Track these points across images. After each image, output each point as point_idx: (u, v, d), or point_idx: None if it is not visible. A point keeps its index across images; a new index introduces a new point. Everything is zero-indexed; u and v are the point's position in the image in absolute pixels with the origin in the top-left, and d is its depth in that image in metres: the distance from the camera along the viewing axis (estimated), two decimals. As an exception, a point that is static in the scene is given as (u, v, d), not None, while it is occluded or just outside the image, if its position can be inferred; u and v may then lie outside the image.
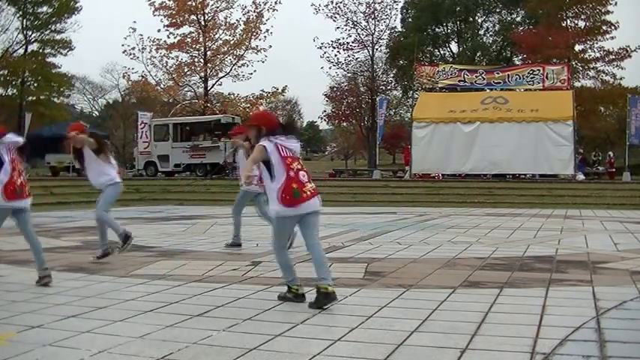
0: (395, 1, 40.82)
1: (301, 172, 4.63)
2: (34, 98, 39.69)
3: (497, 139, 22.81)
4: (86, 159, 6.68)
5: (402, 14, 46.78)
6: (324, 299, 4.50)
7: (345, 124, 48.38)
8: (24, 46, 39.53)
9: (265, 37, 32.56)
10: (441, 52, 48.73)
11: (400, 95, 46.87)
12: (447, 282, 5.58)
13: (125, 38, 34.65)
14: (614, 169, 27.88)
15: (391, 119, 45.17)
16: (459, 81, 28.08)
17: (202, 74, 33.39)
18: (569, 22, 37.16)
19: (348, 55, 40.77)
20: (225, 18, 33.18)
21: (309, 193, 4.62)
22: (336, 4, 39.34)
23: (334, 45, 40.05)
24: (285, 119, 5.52)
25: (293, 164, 4.62)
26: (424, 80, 29.36)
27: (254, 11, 32.50)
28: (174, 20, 32.46)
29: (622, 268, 6.42)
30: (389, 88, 44.49)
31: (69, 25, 40.27)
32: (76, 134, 6.54)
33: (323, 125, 64.42)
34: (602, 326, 3.98)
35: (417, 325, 4.05)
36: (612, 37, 35.66)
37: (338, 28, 41.67)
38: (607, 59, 36.02)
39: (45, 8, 39.17)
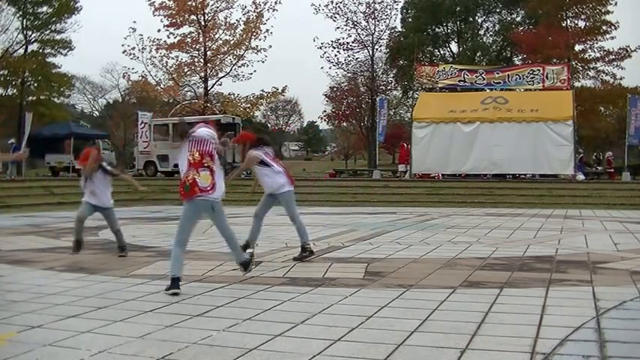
0: (395, 1, 40.79)
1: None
2: (34, 98, 39.61)
3: (497, 139, 22.81)
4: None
5: (402, 14, 46.75)
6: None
7: (345, 124, 48.34)
8: (24, 46, 39.45)
9: (265, 37, 32.48)
10: (441, 52, 48.69)
11: (400, 95, 46.88)
12: (447, 282, 5.58)
13: (125, 38, 34.48)
14: (612, 169, 27.89)
15: (391, 119, 45.14)
16: (459, 81, 28.07)
17: (202, 74, 33.34)
18: (569, 22, 37.11)
19: (348, 55, 40.76)
20: (225, 18, 33.14)
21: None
22: (336, 4, 39.32)
23: (334, 45, 40.03)
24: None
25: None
26: (424, 80, 29.35)
27: (254, 11, 32.45)
28: (174, 20, 32.40)
29: (622, 268, 6.42)
30: (389, 88, 44.47)
31: (69, 25, 40.20)
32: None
33: (323, 125, 64.49)
34: (602, 326, 3.98)
35: (417, 325, 4.05)
36: (612, 37, 35.62)
37: (338, 28, 41.63)
38: (607, 59, 35.97)
39: (45, 8, 39.09)
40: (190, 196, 5.24)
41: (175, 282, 5.12)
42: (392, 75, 45.10)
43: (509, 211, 16.19)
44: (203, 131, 5.38)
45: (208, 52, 32.94)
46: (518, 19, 46.73)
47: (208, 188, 5.25)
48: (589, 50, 36.41)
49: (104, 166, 7.51)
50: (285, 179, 6.96)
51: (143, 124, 27.70)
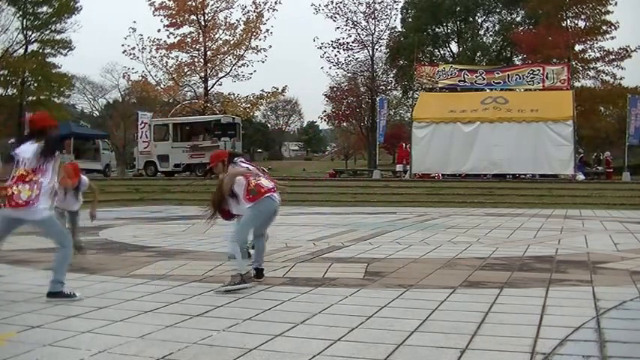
0: (395, 1, 40.84)
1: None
2: (34, 98, 39.64)
3: (497, 139, 22.80)
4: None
5: (402, 14, 46.79)
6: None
7: (345, 124, 48.37)
8: (24, 46, 39.50)
9: (265, 37, 32.55)
10: (441, 52, 48.72)
11: (400, 95, 46.89)
12: (447, 282, 5.58)
13: (125, 38, 34.51)
14: (611, 169, 27.91)
15: (391, 119, 45.17)
16: (459, 81, 28.06)
17: (202, 74, 33.35)
18: (569, 22, 37.14)
19: (348, 55, 40.81)
20: (225, 18, 33.18)
21: None
22: (336, 4, 39.36)
23: (334, 45, 40.07)
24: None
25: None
26: (424, 80, 29.35)
27: (254, 11, 32.49)
28: (174, 20, 32.42)
29: (622, 268, 6.42)
30: (389, 88, 44.50)
31: (69, 25, 40.25)
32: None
33: (323, 125, 64.53)
34: (602, 326, 3.98)
35: (417, 325, 4.05)
36: (612, 37, 35.66)
37: (338, 28, 41.70)
38: (607, 59, 36.00)
39: (45, 8, 39.13)
40: (257, 197, 5.49)
41: (243, 278, 5.24)
42: (392, 75, 45.15)
43: (509, 211, 16.18)
44: None
45: (208, 52, 32.96)
46: (518, 19, 46.78)
47: (273, 189, 5.64)
48: (589, 50, 36.47)
49: (83, 182, 7.38)
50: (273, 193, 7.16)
51: (143, 124, 27.69)
